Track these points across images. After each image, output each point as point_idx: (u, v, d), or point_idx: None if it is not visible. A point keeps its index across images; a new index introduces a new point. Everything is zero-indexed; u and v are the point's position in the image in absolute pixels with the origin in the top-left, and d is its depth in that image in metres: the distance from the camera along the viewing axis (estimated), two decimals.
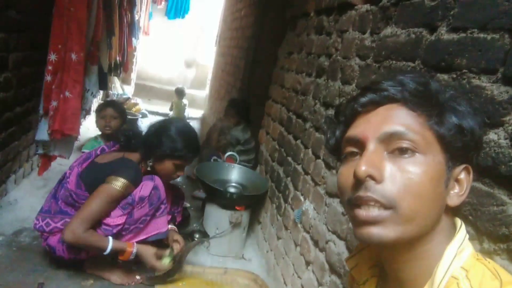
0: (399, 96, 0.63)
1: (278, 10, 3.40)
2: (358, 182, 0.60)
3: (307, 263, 1.86)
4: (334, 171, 1.73)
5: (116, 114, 3.15)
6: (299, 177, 2.16)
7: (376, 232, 0.59)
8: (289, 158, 2.39)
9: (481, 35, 1.01)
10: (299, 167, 2.20)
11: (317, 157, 1.95)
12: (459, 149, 0.62)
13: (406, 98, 0.63)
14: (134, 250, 1.98)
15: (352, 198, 0.62)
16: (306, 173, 2.07)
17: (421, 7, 1.27)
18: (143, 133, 2.18)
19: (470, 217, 0.93)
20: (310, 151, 2.07)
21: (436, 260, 0.61)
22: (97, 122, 3.20)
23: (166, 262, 2.05)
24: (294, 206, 2.18)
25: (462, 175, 0.64)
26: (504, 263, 0.82)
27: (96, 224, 1.92)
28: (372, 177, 0.59)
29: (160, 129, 2.12)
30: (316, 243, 1.80)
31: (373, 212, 0.59)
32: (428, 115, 0.62)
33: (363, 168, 0.59)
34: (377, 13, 1.57)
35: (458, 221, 0.66)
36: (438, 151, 0.61)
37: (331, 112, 1.87)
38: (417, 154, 0.60)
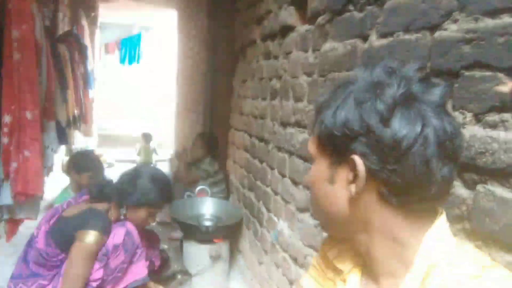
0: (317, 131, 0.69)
1: (228, 42, 3.50)
2: None
3: (290, 282, 1.86)
4: (300, 187, 1.77)
5: (97, 170, 3.12)
6: (270, 199, 2.18)
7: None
8: (258, 182, 2.41)
9: (406, 36, 1.10)
10: (268, 189, 2.23)
11: (283, 175, 1.99)
12: (330, 143, 0.64)
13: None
14: None
15: None
16: (276, 194, 2.10)
17: (352, 19, 1.36)
18: (114, 182, 2.16)
19: None
20: (276, 171, 2.11)
21: (414, 249, 0.61)
22: (76, 178, 3.15)
23: None
24: (270, 228, 2.19)
25: (346, 169, 0.64)
26: (463, 242, 0.86)
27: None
28: None
29: (133, 177, 2.10)
30: (295, 261, 1.81)
31: None
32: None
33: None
34: (315, 31, 1.66)
35: (440, 209, 0.65)
36: (322, 155, 0.66)
37: (289, 130, 1.93)
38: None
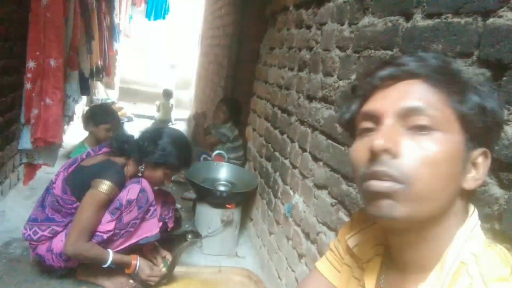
0: (420, 71, 0.61)
1: (257, 6, 3.40)
2: (374, 157, 0.59)
3: (300, 256, 1.87)
4: (321, 163, 1.74)
5: (116, 123, 3.15)
6: (288, 172, 2.17)
7: (387, 204, 0.57)
8: (277, 153, 2.40)
9: (455, 19, 1.03)
10: (286, 162, 2.21)
11: (304, 150, 1.96)
12: (480, 130, 0.60)
13: (428, 74, 0.60)
14: (138, 262, 2.00)
15: (366, 173, 0.60)
16: (294, 167, 2.08)
17: None
18: (135, 138, 2.17)
19: None
20: (296, 144, 2.08)
21: (446, 244, 0.60)
22: (95, 131, 3.18)
23: (163, 270, 2.09)
24: (284, 201, 2.19)
25: (480, 159, 0.62)
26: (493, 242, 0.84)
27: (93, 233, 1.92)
28: (388, 152, 0.57)
29: (155, 137, 2.11)
30: (307, 236, 1.81)
31: (386, 183, 0.57)
32: (450, 92, 0.60)
33: (380, 142, 0.57)
34: (354, 3, 1.58)
35: (471, 206, 0.64)
36: (458, 131, 0.59)
37: (315, 105, 1.88)
38: (435, 131, 0.58)
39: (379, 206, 0.58)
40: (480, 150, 0.62)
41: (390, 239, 0.70)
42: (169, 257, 2.20)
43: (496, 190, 0.85)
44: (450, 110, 0.59)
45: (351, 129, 0.71)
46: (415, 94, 0.60)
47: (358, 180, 0.64)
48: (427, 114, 0.58)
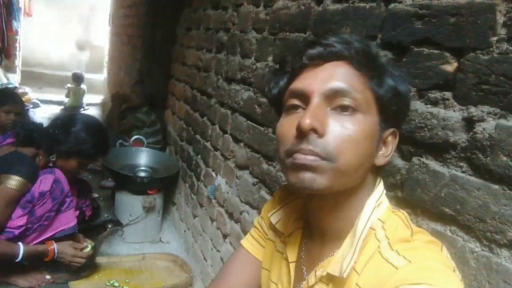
0: (346, 53, 0.64)
1: None
2: (301, 135, 0.61)
3: (224, 236, 1.91)
4: (241, 144, 1.77)
5: (19, 108, 2.84)
6: (209, 154, 2.17)
7: (309, 177, 0.60)
8: (198, 136, 2.38)
9: (361, 4, 1.10)
10: (208, 144, 2.21)
11: (225, 132, 1.98)
12: (392, 112, 0.66)
13: (352, 57, 0.64)
14: (56, 246, 1.88)
15: (292, 149, 0.62)
16: (216, 149, 2.09)
17: None
18: (44, 126, 2.01)
19: None
20: (217, 127, 2.09)
21: (357, 213, 0.66)
22: None
23: (87, 249, 1.98)
24: (207, 183, 2.20)
25: (390, 138, 0.68)
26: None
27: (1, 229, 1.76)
28: (315, 131, 0.60)
29: (67, 125, 1.97)
30: (231, 216, 1.84)
31: (311, 157, 0.60)
32: (370, 76, 0.64)
33: (307, 121, 0.59)
34: None
35: (378, 178, 0.71)
36: (375, 112, 0.64)
37: (234, 87, 1.90)
38: (357, 113, 0.62)
39: (302, 178, 0.61)
40: (390, 130, 0.68)
41: (309, 210, 0.74)
42: (90, 241, 2.09)
43: (398, 162, 0.94)
44: (370, 93, 0.64)
45: (278, 104, 0.73)
46: (340, 76, 0.63)
47: (282, 154, 0.66)
48: (350, 96, 0.62)
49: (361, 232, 0.64)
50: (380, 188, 0.70)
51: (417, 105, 0.90)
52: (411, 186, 0.90)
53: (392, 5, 0.99)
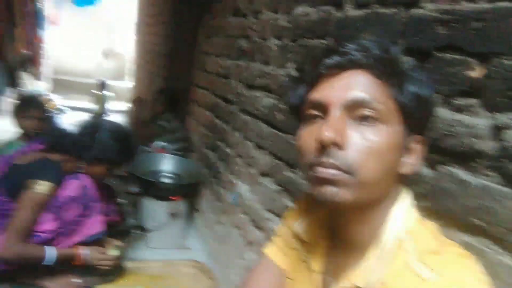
0: (364, 61, 0.62)
1: None
2: (321, 148, 0.60)
3: (248, 244, 1.90)
4: (263, 151, 1.77)
5: (42, 114, 2.91)
6: (232, 161, 2.18)
7: (332, 191, 0.60)
8: (220, 143, 2.40)
9: (383, 10, 1.08)
10: (230, 151, 2.22)
11: (246, 138, 1.98)
12: (417, 119, 0.64)
13: (372, 65, 0.62)
14: (84, 251, 1.92)
15: (313, 163, 0.61)
16: (238, 156, 2.10)
17: None
18: (73, 132, 2.06)
19: None
20: (239, 133, 2.09)
21: (383, 223, 0.64)
22: (19, 122, 2.94)
23: (114, 252, 2.01)
24: (230, 190, 2.20)
25: (416, 146, 0.66)
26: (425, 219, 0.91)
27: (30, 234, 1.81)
28: (335, 144, 0.59)
29: (93, 131, 2.01)
30: (254, 223, 1.84)
31: (332, 170, 0.59)
32: (391, 83, 0.62)
33: (327, 134, 0.58)
34: None
35: (404, 188, 0.69)
36: (398, 121, 0.62)
37: (254, 93, 1.90)
38: (379, 123, 0.60)
39: (324, 192, 0.61)
40: (416, 137, 0.66)
41: (333, 220, 0.73)
42: (118, 242, 2.13)
43: (424, 170, 0.92)
44: (392, 102, 0.62)
45: (298, 113, 0.72)
46: (360, 86, 0.61)
47: (304, 167, 0.65)
48: (371, 106, 0.60)
49: (388, 244, 0.63)
50: (406, 197, 0.68)
51: (442, 112, 0.88)
52: (438, 196, 0.88)
53: (414, 10, 0.98)
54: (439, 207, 0.87)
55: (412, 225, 0.64)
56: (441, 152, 0.87)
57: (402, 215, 0.65)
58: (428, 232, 0.64)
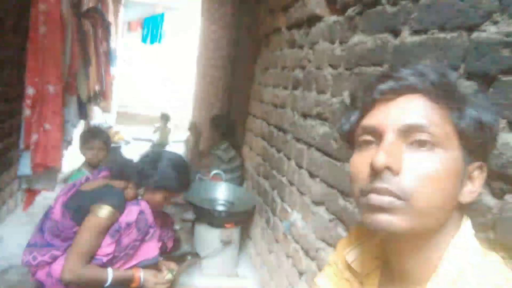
0: (420, 86, 0.60)
1: (251, 28, 3.47)
2: (375, 173, 0.58)
3: (300, 273, 1.86)
4: (317, 180, 1.75)
5: (103, 145, 3.12)
6: (285, 189, 2.18)
7: (386, 219, 0.57)
8: (274, 171, 2.41)
9: (441, 35, 1.06)
10: (284, 179, 2.22)
11: (300, 167, 1.98)
12: (477, 145, 0.61)
13: (428, 89, 0.60)
14: (142, 274, 1.99)
15: (367, 188, 0.60)
16: (291, 184, 2.09)
17: (384, 13, 1.32)
18: (135, 161, 2.18)
19: None
20: (293, 162, 2.10)
21: (441, 254, 0.61)
22: (83, 153, 3.17)
23: (168, 276, 2.07)
24: (282, 218, 2.19)
25: (476, 172, 0.62)
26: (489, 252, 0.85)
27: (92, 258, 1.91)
28: (390, 169, 0.57)
29: (154, 161, 2.13)
30: (307, 253, 1.81)
31: (386, 198, 0.57)
32: (449, 108, 0.59)
33: (381, 159, 0.57)
34: (344, 22, 1.62)
35: (464, 217, 0.65)
36: (457, 146, 0.59)
37: (310, 122, 1.91)
38: (436, 148, 0.58)
39: (379, 221, 0.59)
40: (476, 164, 0.62)
41: (387, 250, 0.70)
42: (172, 266, 2.19)
43: (488, 200, 0.87)
44: (450, 126, 0.59)
45: (350, 140, 0.71)
46: (416, 111, 0.60)
47: (357, 193, 0.63)
48: (428, 131, 0.58)
49: (448, 277, 0.59)
50: (466, 227, 0.63)
51: (508, 138, 0.83)
52: (504, 226, 0.82)
53: (475, 34, 0.95)
54: (505, 239, 0.81)
55: (474, 258, 0.60)
56: (507, 180, 0.82)
57: (463, 246, 0.61)
58: (492, 265, 0.59)
